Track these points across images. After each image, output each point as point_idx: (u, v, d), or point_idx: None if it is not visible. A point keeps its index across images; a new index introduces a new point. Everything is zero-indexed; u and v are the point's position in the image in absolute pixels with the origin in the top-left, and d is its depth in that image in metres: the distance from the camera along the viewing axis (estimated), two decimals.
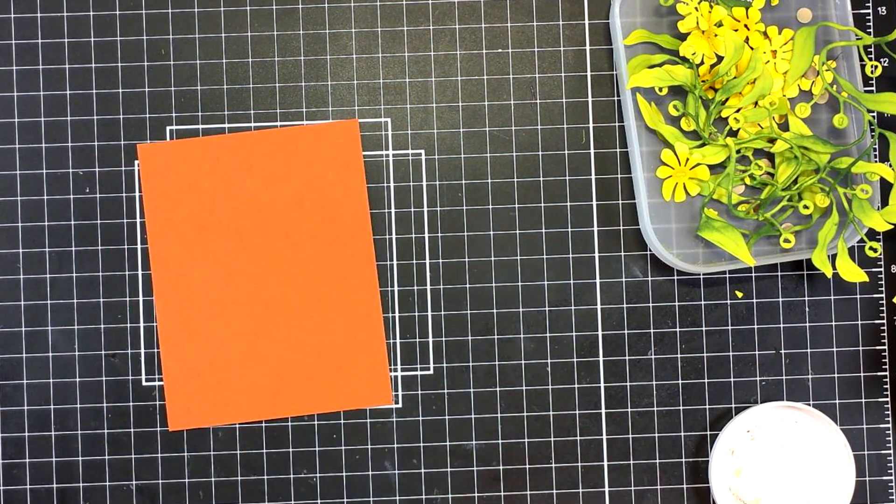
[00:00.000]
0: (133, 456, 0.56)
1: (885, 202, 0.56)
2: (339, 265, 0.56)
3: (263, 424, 0.56)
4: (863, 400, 0.57)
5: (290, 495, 0.56)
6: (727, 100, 0.56)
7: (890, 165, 0.56)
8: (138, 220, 0.57)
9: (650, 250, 0.57)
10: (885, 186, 0.56)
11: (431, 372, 0.57)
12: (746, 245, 0.55)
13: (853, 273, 0.55)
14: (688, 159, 0.55)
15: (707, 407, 0.57)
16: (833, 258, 0.56)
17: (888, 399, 0.57)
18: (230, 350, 0.56)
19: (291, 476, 0.56)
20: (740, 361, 0.57)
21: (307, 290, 0.56)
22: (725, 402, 0.57)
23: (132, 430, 0.56)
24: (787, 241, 0.55)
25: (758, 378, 0.56)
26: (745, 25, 0.56)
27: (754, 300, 0.57)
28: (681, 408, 0.57)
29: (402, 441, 0.56)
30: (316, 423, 0.56)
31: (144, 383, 0.56)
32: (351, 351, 0.56)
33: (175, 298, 0.56)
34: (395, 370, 0.57)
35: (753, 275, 0.57)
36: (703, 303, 0.57)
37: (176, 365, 0.56)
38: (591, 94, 0.58)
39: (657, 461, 0.57)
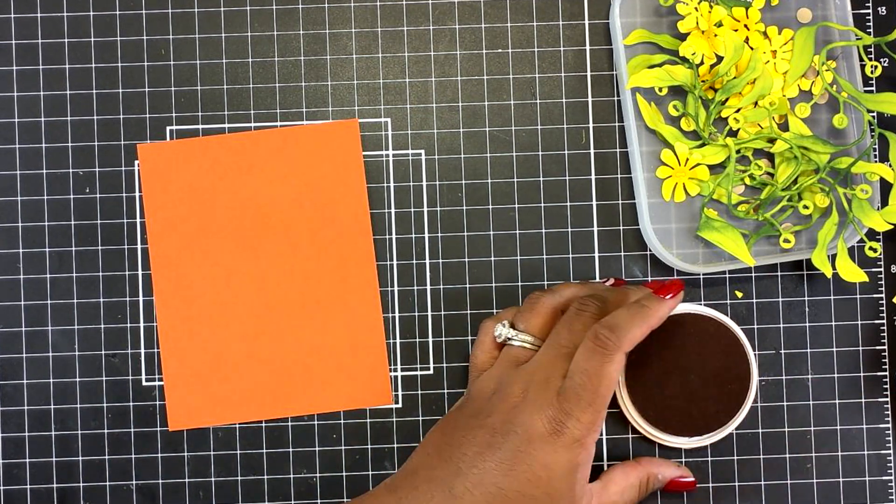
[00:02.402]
0: (133, 456, 0.56)
1: (884, 202, 0.56)
2: (339, 265, 0.56)
3: (263, 424, 0.56)
4: (862, 400, 0.57)
5: (290, 495, 0.56)
6: (727, 100, 0.56)
7: (890, 165, 0.56)
8: (138, 220, 0.57)
9: (650, 250, 0.57)
10: (885, 186, 0.56)
11: (431, 372, 0.57)
12: (746, 245, 0.55)
13: (853, 273, 0.55)
14: (687, 159, 0.55)
15: None
16: (833, 258, 0.56)
17: (888, 399, 0.57)
18: (230, 350, 0.56)
19: (291, 476, 0.56)
20: None
21: (307, 290, 0.56)
22: None
23: (132, 430, 0.56)
24: (786, 241, 0.55)
25: (757, 378, 0.56)
26: (745, 25, 0.56)
27: (754, 300, 0.57)
28: None
29: (402, 441, 0.56)
30: (316, 423, 0.56)
31: (144, 383, 0.56)
32: (351, 351, 0.56)
33: (175, 298, 0.56)
34: (395, 370, 0.57)
35: (753, 275, 0.57)
36: (702, 303, 0.57)
37: (176, 365, 0.56)
38: (591, 94, 0.58)
39: None
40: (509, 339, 0.50)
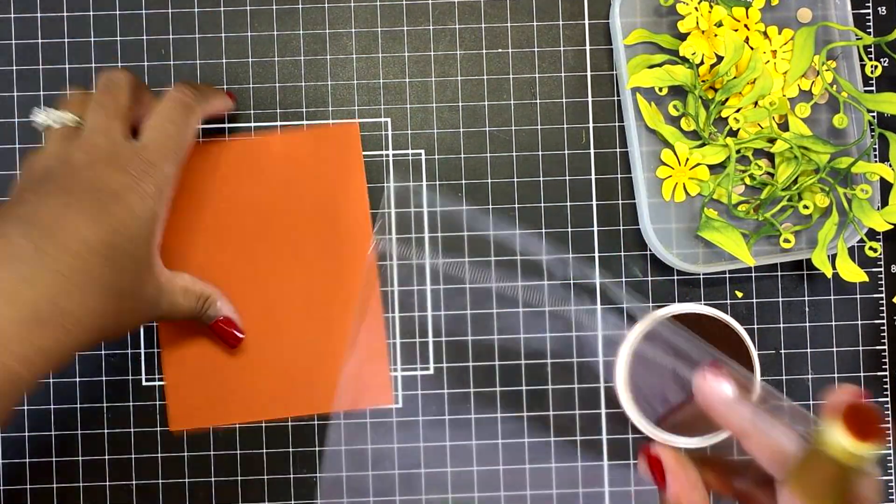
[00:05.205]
0: (133, 456, 0.56)
1: (884, 202, 0.56)
2: (340, 267, 0.56)
3: (263, 424, 0.56)
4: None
5: (290, 495, 0.56)
6: (727, 100, 0.56)
7: (890, 165, 0.56)
8: None
9: (650, 250, 0.57)
10: (885, 186, 0.56)
11: (431, 372, 0.57)
12: (746, 245, 0.55)
13: (853, 273, 0.55)
14: (688, 159, 0.55)
15: None
16: (833, 258, 0.56)
17: (888, 399, 0.57)
18: (231, 351, 0.56)
19: (291, 476, 0.56)
20: None
21: (308, 292, 0.56)
22: None
23: (132, 430, 0.56)
24: (786, 241, 0.55)
25: (758, 378, 0.56)
26: (745, 25, 0.56)
27: (754, 300, 0.57)
28: None
29: (402, 441, 0.56)
30: (316, 423, 0.56)
31: (144, 383, 0.56)
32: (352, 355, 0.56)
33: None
34: (395, 370, 0.57)
35: (753, 275, 0.57)
36: (702, 303, 0.57)
37: (177, 366, 0.56)
38: (591, 93, 0.58)
39: None
40: (49, 125, 0.48)
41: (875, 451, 0.34)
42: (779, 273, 0.58)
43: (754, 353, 0.55)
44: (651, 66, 0.56)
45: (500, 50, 0.58)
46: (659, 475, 0.42)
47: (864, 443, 0.33)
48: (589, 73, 0.58)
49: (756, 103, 0.56)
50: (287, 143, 0.56)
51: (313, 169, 0.56)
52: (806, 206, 0.55)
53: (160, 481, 0.56)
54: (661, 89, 0.56)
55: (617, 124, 0.57)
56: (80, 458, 0.56)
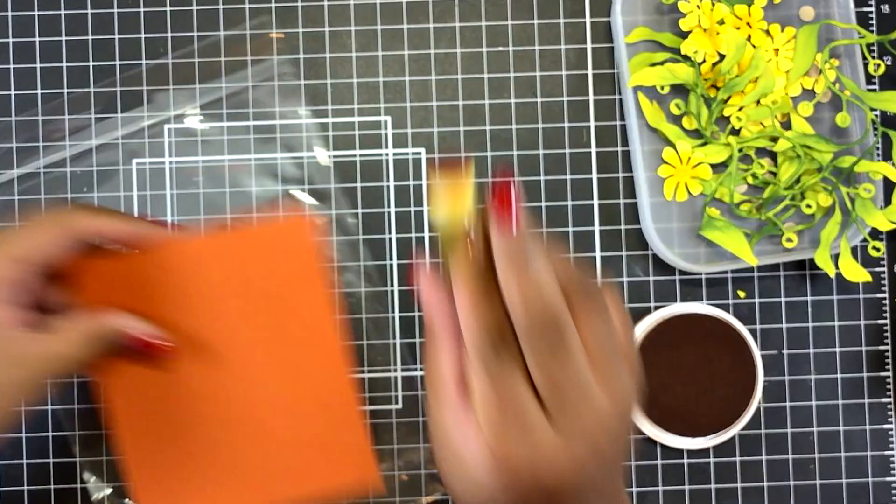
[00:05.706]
0: None
1: (888, 201, 0.55)
2: (303, 359, 0.50)
3: None
4: (865, 400, 0.57)
5: None
6: (729, 98, 0.56)
7: (893, 164, 0.56)
8: None
9: (652, 250, 0.57)
10: (888, 185, 0.56)
11: None
12: (748, 244, 0.54)
13: (856, 273, 0.54)
14: (689, 158, 0.55)
15: None
16: (836, 258, 0.55)
17: (891, 399, 0.57)
18: (200, 449, 0.50)
19: None
20: None
21: (273, 384, 0.50)
22: None
23: None
24: (789, 240, 0.55)
25: (760, 378, 0.56)
26: (748, 23, 0.56)
27: (756, 300, 0.57)
28: None
29: (402, 441, 0.56)
30: None
31: None
32: (326, 434, 0.50)
33: (136, 407, 0.50)
34: (395, 370, 0.56)
35: (756, 274, 0.57)
36: (704, 303, 0.57)
37: (147, 474, 0.50)
38: (593, 92, 0.57)
39: (658, 461, 0.56)
40: None
41: (465, 212, 0.36)
42: (781, 273, 0.57)
43: (757, 353, 0.54)
44: (653, 65, 0.56)
45: (500, 48, 0.57)
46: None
47: (447, 210, 0.37)
48: (590, 72, 0.58)
49: (758, 102, 0.56)
50: (234, 243, 0.50)
51: (263, 267, 0.50)
52: (809, 206, 0.55)
53: None
54: (662, 88, 0.56)
55: (618, 123, 0.57)
56: (78, 459, 0.56)
